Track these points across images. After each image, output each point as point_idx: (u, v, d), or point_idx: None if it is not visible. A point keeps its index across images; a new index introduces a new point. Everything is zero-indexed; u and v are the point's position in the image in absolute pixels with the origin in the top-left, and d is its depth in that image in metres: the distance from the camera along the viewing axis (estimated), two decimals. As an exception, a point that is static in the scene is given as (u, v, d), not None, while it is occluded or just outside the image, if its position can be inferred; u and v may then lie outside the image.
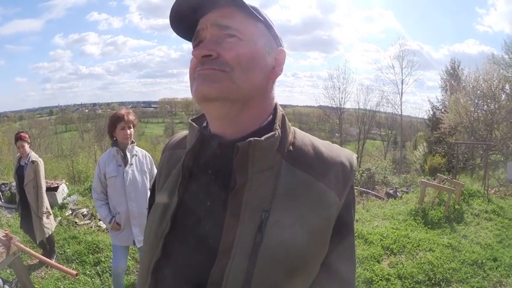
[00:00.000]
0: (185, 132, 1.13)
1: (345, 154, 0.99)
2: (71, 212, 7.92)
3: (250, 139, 0.86)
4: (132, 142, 3.83)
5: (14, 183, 9.53)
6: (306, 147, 0.96)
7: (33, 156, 5.21)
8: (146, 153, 3.98)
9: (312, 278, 0.92)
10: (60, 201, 8.35)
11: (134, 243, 3.90)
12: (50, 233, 5.41)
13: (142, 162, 3.88)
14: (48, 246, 5.51)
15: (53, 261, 4.51)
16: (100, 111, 75.96)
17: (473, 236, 6.99)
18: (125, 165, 3.76)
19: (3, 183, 9.84)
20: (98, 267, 5.24)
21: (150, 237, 0.99)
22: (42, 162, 5.31)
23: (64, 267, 4.01)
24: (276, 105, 1.00)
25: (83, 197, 9.28)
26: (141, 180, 3.82)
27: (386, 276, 5.10)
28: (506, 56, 23.25)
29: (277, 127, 0.92)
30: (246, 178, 0.87)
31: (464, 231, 7.24)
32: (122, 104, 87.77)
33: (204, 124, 1.04)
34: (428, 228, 7.41)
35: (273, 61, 0.95)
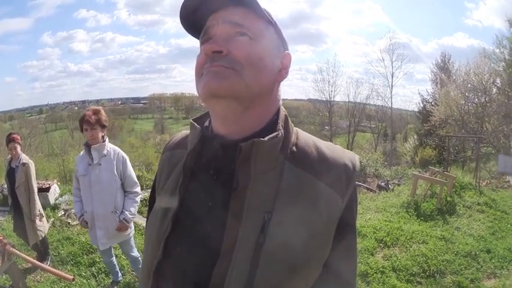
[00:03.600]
0: (185, 132, 1.13)
1: (348, 156, 0.99)
2: (63, 213, 7.84)
3: (253, 140, 0.85)
4: (103, 141, 3.78)
5: (6, 186, 9.64)
6: (309, 148, 0.96)
7: (24, 158, 5.12)
8: (120, 152, 3.90)
9: (314, 278, 0.92)
10: (52, 202, 8.25)
11: (98, 246, 3.92)
12: (44, 236, 5.32)
13: (112, 162, 3.79)
14: (42, 248, 5.43)
15: (47, 266, 4.46)
16: None
17: (466, 228, 7.02)
18: (92, 165, 3.73)
19: (-5, 186, 9.68)
20: (93, 268, 5.20)
21: (151, 238, 0.99)
22: (33, 164, 5.22)
23: (59, 272, 4.00)
24: (279, 106, 1.00)
25: None
26: (109, 181, 3.75)
27: (381, 268, 5.10)
28: (497, 50, 23.43)
29: (280, 127, 0.92)
30: (249, 179, 0.87)
31: (457, 223, 7.26)
32: (111, 100, 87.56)
33: (206, 124, 1.03)
34: (421, 220, 7.42)
35: (280, 64, 0.95)
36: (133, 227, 4.10)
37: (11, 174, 5.12)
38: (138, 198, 3.96)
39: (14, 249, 3.77)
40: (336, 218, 0.91)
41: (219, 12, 0.89)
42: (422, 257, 5.48)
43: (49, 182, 9.03)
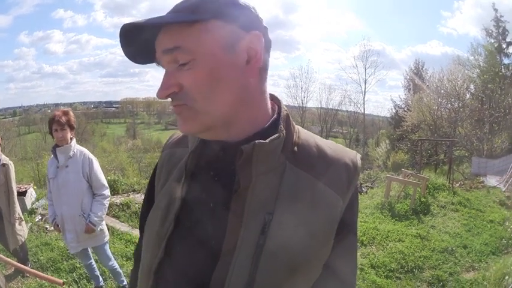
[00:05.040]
0: None
1: (349, 155, 0.97)
2: (40, 218, 7.50)
3: (254, 142, 0.83)
4: (70, 142, 3.69)
5: None
6: (310, 148, 0.93)
7: (4, 159, 4.81)
8: (87, 153, 3.81)
9: (315, 278, 0.91)
10: (29, 206, 7.92)
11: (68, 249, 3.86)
12: (23, 240, 5.06)
13: (79, 164, 3.70)
14: (21, 254, 5.17)
15: (36, 271, 4.22)
16: None
17: (441, 226, 7.23)
18: (59, 167, 3.67)
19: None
20: (74, 274, 5.00)
21: (151, 238, 0.97)
22: (13, 165, 4.93)
23: (49, 276, 3.94)
24: (280, 102, 0.97)
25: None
26: (75, 183, 3.65)
27: (360, 266, 5.16)
28: (472, 58, 24.69)
29: (282, 128, 0.89)
30: (250, 180, 0.85)
31: (432, 222, 7.45)
32: (84, 104, 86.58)
33: None
34: (395, 220, 7.56)
35: (245, 54, 0.83)
36: (107, 232, 4.00)
37: None
38: (106, 201, 3.86)
39: (3, 257, 3.67)
40: (337, 219, 0.90)
41: (157, 38, 0.83)
42: (399, 254, 5.58)
43: (25, 186, 8.66)
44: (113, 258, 4.13)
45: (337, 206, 0.89)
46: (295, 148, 0.92)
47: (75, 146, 3.72)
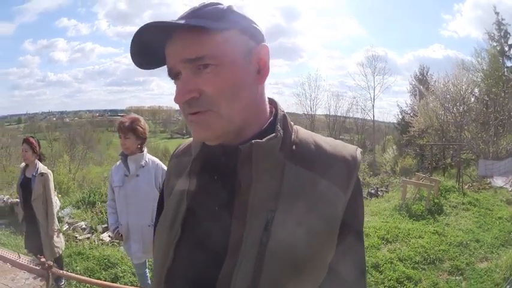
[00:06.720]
0: (191, 139, 1.10)
1: (348, 150, 0.98)
2: (68, 226, 7.60)
3: (252, 141, 0.86)
4: (141, 151, 3.60)
5: (0, 197, 9.21)
6: (309, 146, 0.96)
7: (42, 167, 4.65)
8: (160, 163, 3.67)
9: (321, 278, 0.91)
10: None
11: (132, 259, 3.80)
12: (61, 253, 4.89)
13: (151, 173, 3.57)
14: (57, 266, 4.49)
15: (111, 283, 4.29)
16: (67, 120, 73.88)
17: (454, 223, 7.93)
18: (129, 176, 3.56)
19: (-13, 197, 9.29)
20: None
21: (161, 246, 1.00)
22: (51, 174, 4.78)
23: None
24: (276, 105, 1.00)
25: (78, 209, 9.20)
26: (146, 193, 3.49)
27: (389, 259, 5.81)
28: (475, 62, 24.69)
29: (279, 127, 0.92)
30: (251, 179, 0.87)
31: (446, 220, 8.15)
32: (90, 112, 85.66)
33: None
34: (413, 220, 8.22)
35: (256, 64, 0.90)
36: None
37: (25, 185, 4.65)
38: None
39: (60, 271, 3.61)
40: (339, 213, 0.90)
41: (172, 47, 0.85)
42: (421, 248, 6.26)
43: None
44: None
45: (339, 199, 0.90)
46: (294, 147, 0.94)
47: (146, 155, 3.62)
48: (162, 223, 1.02)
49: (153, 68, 0.94)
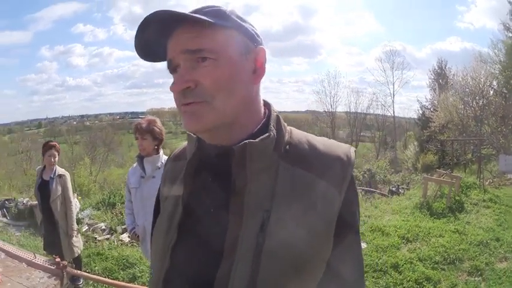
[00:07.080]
0: (186, 143, 1.12)
1: (342, 149, 0.98)
2: (87, 228, 7.81)
3: (245, 141, 0.88)
4: (157, 153, 3.64)
5: (20, 199, 9.51)
6: (302, 145, 0.96)
7: (60, 169, 4.82)
8: None
9: (319, 277, 0.92)
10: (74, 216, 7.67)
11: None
12: (79, 252, 5.05)
13: None
14: (76, 266, 4.98)
15: (126, 283, 4.45)
16: (88, 123, 74.49)
17: (475, 221, 7.88)
18: (145, 178, 3.60)
19: (6, 199, 9.67)
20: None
21: (158, 248, 1.01)
22: (69, 175, 4.97)
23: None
24: (270, 106, 1.01)
25: (97, 210, 9.44)
26: None
27: (409, 260, 5.79)
28: (493, 53, 24.04)
29: (272, 128, 0.93)
30: (245, 179, 0.88)
31: (467, 219, 8.09)
32: (110, 115, 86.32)
33: None
34: (434, 218, 8.19)
35: (253, 64, 0.93)
36: None
37: (43, 188, 4.77)
38: None
39: (74, 270, 3.72)
40: (335, 212, 0.90)
41: (174, 38, 0.88)
42: (441, 247, 6.26)
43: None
44: None
45: (334, 198, 0.90)
46: (287, 147, 0.95)
47: (162, 157, 3.64)
48: (159, 227, 1.05)
49: (156, 61, 0.99)
